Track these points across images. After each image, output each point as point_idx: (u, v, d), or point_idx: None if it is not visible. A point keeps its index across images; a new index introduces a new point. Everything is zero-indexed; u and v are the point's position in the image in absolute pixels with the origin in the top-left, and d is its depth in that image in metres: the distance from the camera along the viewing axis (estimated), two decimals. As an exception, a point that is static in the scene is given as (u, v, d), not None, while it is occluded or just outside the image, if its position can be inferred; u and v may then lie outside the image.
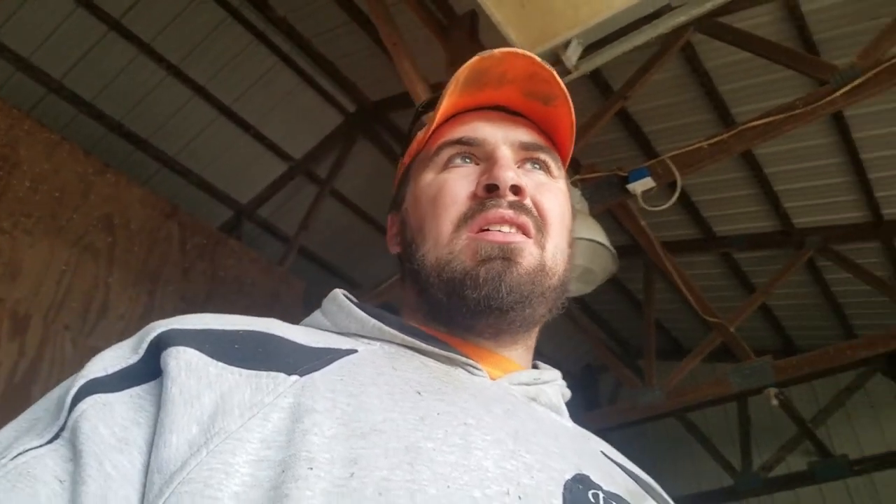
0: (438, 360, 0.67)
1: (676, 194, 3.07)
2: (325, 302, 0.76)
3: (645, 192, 3.18)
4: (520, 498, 0.51)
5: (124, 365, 0.55)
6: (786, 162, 4.32)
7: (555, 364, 0.78)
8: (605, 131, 4.34)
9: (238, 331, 0.61)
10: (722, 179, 4.57)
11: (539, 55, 2.22)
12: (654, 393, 4.48)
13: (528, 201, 0.72)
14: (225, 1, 4.16)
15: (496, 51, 0.73)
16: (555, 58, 2.24)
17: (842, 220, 4.69)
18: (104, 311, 2.97)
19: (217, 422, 0.50)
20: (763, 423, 6.27)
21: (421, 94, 2.78)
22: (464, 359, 0.67)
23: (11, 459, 0.49)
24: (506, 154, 0.74)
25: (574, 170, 3.49)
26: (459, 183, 0.73)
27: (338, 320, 0.71)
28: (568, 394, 0.78)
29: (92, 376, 0.54)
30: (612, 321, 6.66)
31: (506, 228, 0.70)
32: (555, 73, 0.75)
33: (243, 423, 0.51)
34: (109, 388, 0.53)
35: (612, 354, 5.28)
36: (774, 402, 5.26)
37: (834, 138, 4.07)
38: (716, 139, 3.05)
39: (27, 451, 0.49)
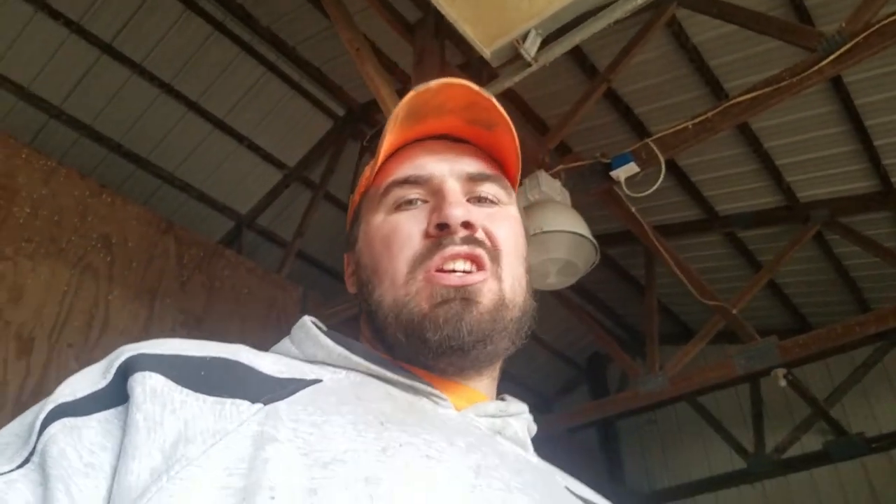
0: (403, 390, 0.67)
1: (661, 178, 3.03)
2: (294, 329, 0.75)
3: (630, 178, 3.15)
4: None
5: (93, 389, 0.55)
6: (786, 134, 4.26)
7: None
8: (595, 116, 4.30)
9: (205, 357, 0.61)
10: (721, 157, 4.52)
11: (497, 49, 2.23)
12: (658, 379, 4.43)
13: (479, 234, 0.72)
14: (210, 16, 4.19)
15: (432, 83, 0.73)
16: (513, 51, 2.23)
17: (849, 192, 4.62)
18: (105, 328, 3.02)
19: (179, 448, 0.50)
20: (776, 403, 6.21)
21: (386, 97, 2.78)
22: (429, 389, 0.67)
23: None
24: (454, 189, 0.74)
25: (557, 158, 3.47)
26: (410, 223, 0.73)
27: (305, 348, 0.71)
28: (534, 428, 0.77)
29: (61, 400, 0.54)
30: (617, 307, 6.63)
31: (460, 265, 0.69)
32: (494, 100, 0.75)
33: (205, 449, 0.51)
34: (79, 412, 0.53)
35: (615, 341, 5.22)
36: (782, 382, 5.22)
37: (835, 106, 4.01)
38: (700, 118, 3.01)
39: None
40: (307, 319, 0.75)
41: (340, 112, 4.94)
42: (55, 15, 3.91)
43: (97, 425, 0.53)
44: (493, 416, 0.70)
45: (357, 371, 0.68)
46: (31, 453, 0.51)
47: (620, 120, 4.39)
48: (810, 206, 4.75)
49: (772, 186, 4.70)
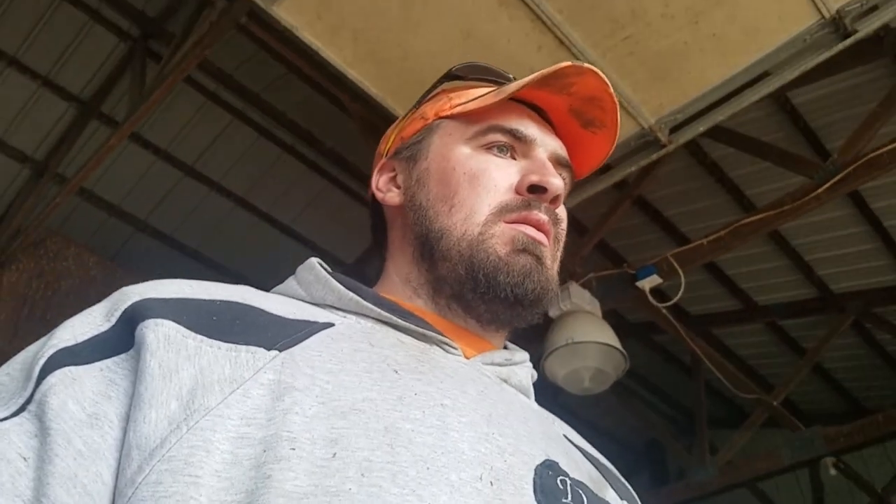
0: (414, 337, 0.67)
1: (681, 291, 3.33)
2: (300, 270, 0.74)
3: (653, 289, 3.45)
4: (492, 483, 0.52)
5: (95, 332, 0.55)
6: (811, 234, 4.48)
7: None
8: (625, 218, 4.60)
9: (215, 300, 0.60)
10: (752, 253, 4.75)
11: (659, 120, 2.41)
12: (707, 469, 4.58)
13: (559, 212, 0.76)
14: (279, 139, 4.73)
15: (586, 65, 0.73)
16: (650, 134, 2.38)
17: (879, 284, 4.79)
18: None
19: (197, 398, 0.50)
20: (837, 489, 6.16)
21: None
22: (440, 337, 0.67)
23: None
24: (548, 160, 0.75)
25: (587, 267, 3.78)
26: (502, 171, 0.74)
27: (313, 290, 0.70)
28: (535, 374, 0.78)
29: (62, 345, 0.53)
30: (670, 391, 6.75)
31: (532, 231, 0.71)
32: (618, 106, 0.77)
33: (223, 398, 0.51)
34: (79, 360, 0.52)
35: (670, 426, 5.39)
36: (832, 471, 5.24)
37: (851, 210, 4.24)
38: (714, 236, 3.32)
39: None
40: (315, 261, 0.73)
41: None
42: None
43: (99, 374, 0.52)
44: (499, 364, 0.71)
45: (367, 317, 0.67)
46: (28, 401, 0.50)
47: (650, 223, 4.68)
48: (845, 298, 4.91)
49: (804, 280, 4.89)
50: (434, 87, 0.85)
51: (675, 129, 2.40)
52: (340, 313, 0.67)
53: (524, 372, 0.74)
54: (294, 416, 0.50)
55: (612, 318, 3.82)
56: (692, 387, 5.56)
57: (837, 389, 6.08)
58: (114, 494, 0.48)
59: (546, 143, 0.76)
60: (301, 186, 5.00)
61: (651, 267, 3.43)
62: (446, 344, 0.67)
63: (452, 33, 2.15)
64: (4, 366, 0.55)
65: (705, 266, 4.62)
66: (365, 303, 0.67)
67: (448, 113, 0.79)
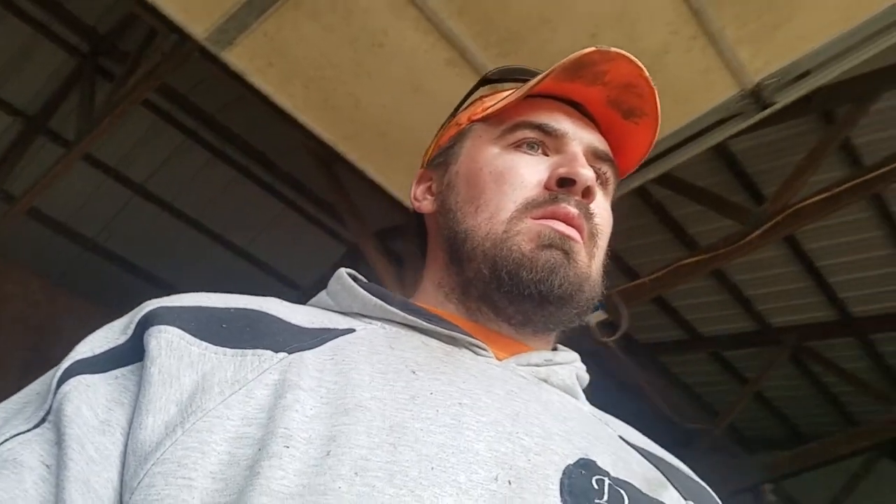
0: (441, 340, 0.65)
1: (623, 328, 3.46)
2: (331, 281, 0.73)
3: (599, 323, 3.58)
4: (510, 483, 0.49)
5: (112, 345, 0.55)
6: (749, 271, 4.66)
7: None
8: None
9: (229, 308, 0.60)
10: (696, 287, 4.92)
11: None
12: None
13: (593, 206, 0.71)
14: (233, 160, 4.75)
15: (612, 49, 0.69)
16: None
17: (813, 319, 5.01)
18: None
19: (195, 401, 0.49)
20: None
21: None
22: (468, 338, 0.65)
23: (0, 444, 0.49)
24: (581, 153, 0.72)
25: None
26: (529, 167, 0.71)
27: (340, 300, 0.70)
28: (585, 377, 0.75)
29: (79, 357, 0.54)
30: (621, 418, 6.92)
31: (562, 227, 0.68)
32: (655, 91, 0.73)
33: (223, 399, 0.50)
34: (95, 369, 0.52)
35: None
36: (772, 498, 5.46)
37: (786, 250, 4.43)
38: (655, 275, 3.46)
39: (14, 436, 0.49)
40: (343, 271, 0.73)
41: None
42: None
43: (114, 381, 0.52)
44: (537, 364, 0.67)
45: (393, 322, 0.66)
46: (48, 412, 0.51)
47: (613, 267, 4.81)
48: (781, 332, 5.13)
49: (744, 313, 5.08)
50: (471, 92, 0.84)
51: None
52: (366, 320, 0.66)
53: (566, 371, 0.70)
54: (294, 413, 0.49)
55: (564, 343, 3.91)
56: (640, 412, 5.71)
57: (777, 417, 6.30)
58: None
59: (580, 136, 0.73)
60: (256, 209, 5.03)
61: (597, 303, 3.55)
62: (475, 346, 0.65)
63: (402, 86, 2.24)
64: (33, 384, 0.55)
65: (653, 298, 4.78)
66: (390, 307, 0.65)
67: (480, 116, 0.78)
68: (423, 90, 2.23)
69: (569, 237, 0.67)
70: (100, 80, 3.93)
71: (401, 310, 0.65)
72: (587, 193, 0.69)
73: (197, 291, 0.62)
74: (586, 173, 0.68)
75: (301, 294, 5.60)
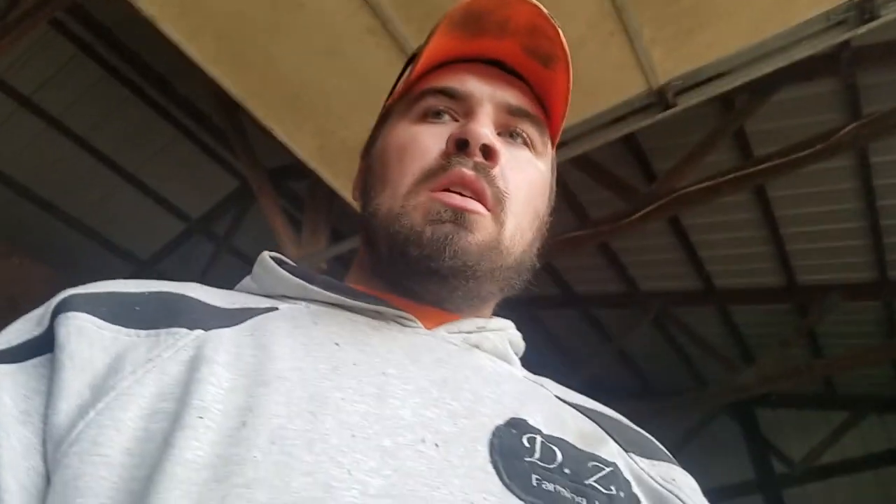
0: (367, 315, 0.63)
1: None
2: (255, 266, 0.71)
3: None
4: (437, 445, 0.49)
5: (28, 337, 0.54)
6: (627, 238, 4.92)
7: None
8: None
9: (143, 293, 0.59)
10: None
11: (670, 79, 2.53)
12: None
13: (497, 170, 0.66)
14: (128, 79, 4.53)
15: None
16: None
17: (678, 287, 5.40)
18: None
19: (108, 381, 0.49)
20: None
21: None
22: (395, 312, 0.63)
23: None
24: (487, 112, 0.68)
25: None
26: (431, 137, 0.68)
27: (263, 283, 0.69)
28: (521, 343, 0.73)
29: None
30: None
31: (465, 192, 0.64)
32: (559, 30, 0.69)
33: (136, 379, 0.49)
34: (12, 359, 0.52)
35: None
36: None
37: (664, 224, 4.71)
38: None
39: None
40: (266, 254, 0.71)
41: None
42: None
43: (32, 370, 0.51)
44: (468, 332, 0.66)
45: (317, 302, 0.64)
46: None
47: None
48: (649, 296, 5.51)
49: (617, 277, 5.40)
50: (400, 76, 0.79)
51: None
52: (290, 301, 0.64)
53: (498, 337, 0.68)
54: (208, 385, 0.48)
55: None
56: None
57: (635, 372, 6.80)
58: None
59: (489, 94, 0.69)
60: (148, 133, 4.83)
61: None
62: (402, 318, 0.63)
63: (317, 49, 2.22)
64: None
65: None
66: (312, 287, 0.64)
67: (397, 96, 0.75)
68: (340, 55, 2.22)
69: (462, 208, 0.63)
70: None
71: (323, 288, 0.64)
72: (489, 155, 0.65)
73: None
74: (480, 131, 0.65)
75: (189, 226, 5.47)
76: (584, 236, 3.51)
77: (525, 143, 0.71)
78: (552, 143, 0.77)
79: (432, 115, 0.70)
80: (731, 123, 3.59)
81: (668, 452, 0.68)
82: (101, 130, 4.73)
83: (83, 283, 0.59)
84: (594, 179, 3.76)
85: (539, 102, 0.74)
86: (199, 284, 0.64)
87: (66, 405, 0.48)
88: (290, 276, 0.66)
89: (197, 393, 0.47)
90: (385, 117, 0.76)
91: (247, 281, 0.71)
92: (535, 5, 0.68)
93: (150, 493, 0.42)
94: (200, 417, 0.46)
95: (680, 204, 3.33)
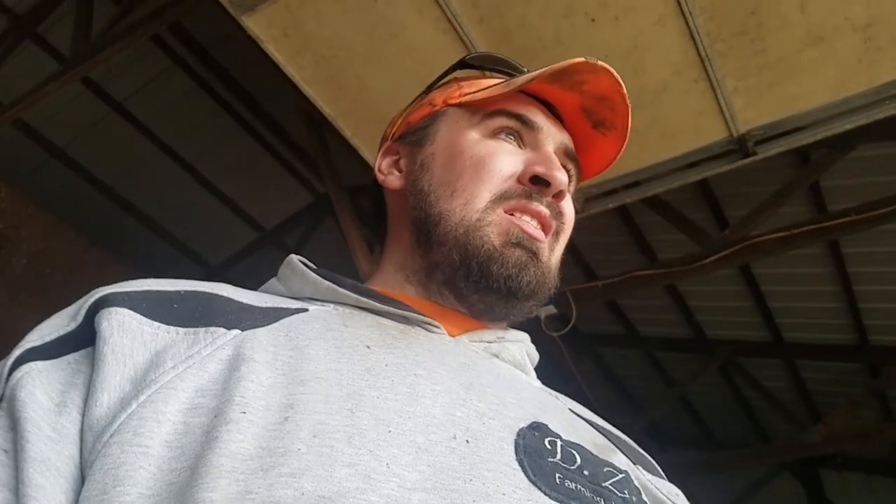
0: (394, 320, 0.66)
1: (571, 323, 3.61)
2: (281, 268, 0.74)
3: (548, 317, 3.73)
4: (468, 442, 0.51)
5: (62, 332, 0.55)
6: (695, 283, 4.85)
7: None
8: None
9: (179, 291, 0.60)
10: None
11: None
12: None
13: (562, 206, 0.74)
14: (217, 94, 4.72)
15: (600, 63, 0.72)
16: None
17: (746, 337, 5.27)
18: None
19: (149, 375, 0.50)
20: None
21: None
22: (420, 317, 0.66)
23: None
24: (554, 152, 0.75)
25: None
26: (507, 158, 0.72)
27: (291, 285, 0.71)
28: (535, 355, 0.77)
29: (29, 345, 0.54)
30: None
31: (534, 224, 0.70)
32: (629, 108, 0.75)
33: (177, 373, 0.50)
34: (47, 356, 0.53)
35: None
36: (673, 497, 5.82)
37: (734, 270, 4.62)
38: (608, 281, 3.61)
39: None
40: (294, 257, 0.74)
41: (324, 189, 5.14)
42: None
43: (66, 366, 0.52)
44: (489, 341, 0.69)
45: (346, 305, 0.66)
46: (1, 399, 0.51)
47: (572, 261, 4.95)
48: (715, 343, 5.39)
49: (683, 321, 5.31)
50: (446, 73, 0.84)
51: (588, 200, 2.64)
52: (318, 303, 0.66)
53: (517, 348, 0.72)
54: (249, 383, 0.50)
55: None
56: (569, 395, 5.97)
57: (696, 420, 6.64)
58: None
59: (553, 134, 0.76)
60: (231, 146, 5.00)
61: (549, 298, 3.69)
62: (428, 323, 0.66)
63: (410, 78, 2.28)
64: None
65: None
66: (341, 290, 0.66)
67: (457, 101, 0.78)
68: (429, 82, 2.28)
69: (535, 239, 0.69)
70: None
71: (353, 292, 0.66)
72: (558, 195, 0.72)
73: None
74: (562, 177, 0.71)
75: (262, 237, 5.63)
76: (654, 276, 3.49)
77: (569, 182, 0.77)
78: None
79: (504, 134, 0.74)
80: (807, 176, 3.53)
81: (664, 476, 0.72)
82: (187, 139, 4.93)
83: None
84: (665, 220, 3.73)
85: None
86: (228, 284, 0.66)
87: (108, 397, 0.49)
88: (321, 278, 0.68)
89: (238, 390, 0.49)
90: (436, 117, 0.79)
91: (273, 282, 0.74)
92: (618, 80, 0.72)
93: (197, 482, 0.43)
94: (244, 413, 0.47)
95: (753, 252, 3.29)
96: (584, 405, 0.76)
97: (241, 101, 4.76)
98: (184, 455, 0.46)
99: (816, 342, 5.09)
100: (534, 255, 0.69)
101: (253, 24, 2.18)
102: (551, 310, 3.73)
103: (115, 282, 0.59)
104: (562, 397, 0.73)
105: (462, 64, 0.84)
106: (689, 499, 0.69)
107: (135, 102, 4.68)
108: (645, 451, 0.75)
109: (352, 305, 0.66)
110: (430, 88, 0.85)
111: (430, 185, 0.73)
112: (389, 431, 0.49)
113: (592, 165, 0.82)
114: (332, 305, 0.66)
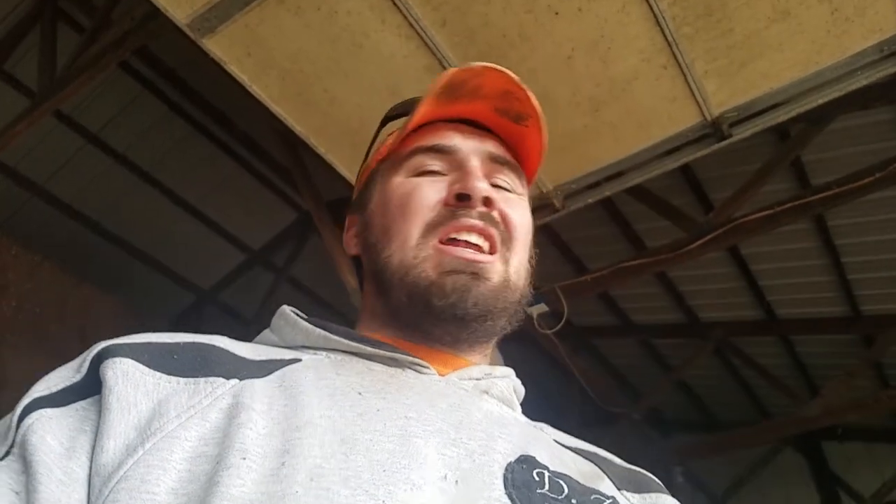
0: (384, 363, 0.67)
1: (563, 321, 3.60)
2: (274, 318, 0.75)
3: (541, 315, 3.71)
4: (457, 482, 0.53)
5: (68, 383, 0.56)
6: (685, 268, 4.86)
7: None
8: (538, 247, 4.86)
9: (178, 343, 0.62)
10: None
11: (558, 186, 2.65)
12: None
13: (496, 213, 0.73)
14: (190, 116, 4.70)
15: (476, 64, 0.73)
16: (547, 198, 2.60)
17: (738, 318, 5.29)
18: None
19: (153, 424, 0.52)
20: (683, 492, 6.80)
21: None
22: (410, 358, 0.67)
23: None
24: (476, 165, 0.75)
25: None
26: (430, 189, 0.73)
27: (284, 334, 0.72)
28: (521, 390, 0.77)
29: (37, 395, 0.55)
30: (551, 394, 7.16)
31: (474, 238, 0.71)
32: (529, 92, 0.75)
33: (180, 423, 0.52)
34: (55, 404, 0.54)
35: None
36: (680, 479, 5.83)
37: (723, 252, 4.63)
38: (597, 274, 3.60)
39: None
40: (286, 308, 0.75)
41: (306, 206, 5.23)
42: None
43: (74, 413, 0.54)
44: (477, 378, 0.70)
45: (337, 351, 0.68)
46: (11, 446, 0.52)
47: (562, 257, 4.96)
48: (709, 326, 5.40)
49: (676, 306, 5.31)
50: (376, 135, 0.87)
51: (569, 196, 2.62)
52: (311, 351, 0.68)
53: (505, 384, 0.73)
54: (248, 430, 0.52)
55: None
56: (567, 391, 5.99)
57: (696, 403, 6.65)
58: None
59: (473, 149, 0.77)
60: (210, 167, 4.99)
61: (540, 296, 3.68)
62: (417, 364, 0.68)
63: (378, 88, 2.27)
64: None
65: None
66: (333, 336, 0.68)
67: (384, 155, 0.81)
68: (399, 93, 2.26)
69: (471, 261, 0.69)
70: (61, 26, 3.84)
71: (343, 338, 0.68)
72: (487, 203, 0.72)
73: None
74: (480, 186, 0.72)
75: (250, 257, 5.61)
76: (642, 265, 3.48)
77: (508, 190, 0.78)
78: (529, 184, 0.84)
79: (427, 172, 0.76)
80: (788, 153, 3.53)
81: (658, 483, 0.74)
82: (165, 165, 4.92)
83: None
84: (650, 209, 3.73)
85: (513, 153, 0.81)
86: (224, 336, 0.67)
87: (114, 444, 0.51)
88: (313, 327, 0.70)
89: (238, 436, 0.51)
90: (372, 178, 0.82)
91: (266, 333, 0.75)
92: (505, 73, 0.74)
93: None
94: (244, 459, 0.49)
95: (738, 233, 3.29)
96: (583, 400, 0.77)
97: (216, 121, 4.76)
98: (189, 502, 0.48)
99: (809, 316, 5.09)
100: (476, 275, 0.69)
101: (214, 46, 2.15)
102: (543, 308, 3.72)
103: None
104: (547, 429, 0.75)
105: (386, 120, 0.86)
106: (693, 481, 0.71)
107: (109, 132, 4.67)
108: (642, 464, 0.77)
109: (343, 351, 0.68)
110: (367, 153, 0.88)
111: (374, 238, 0.76)
112: (384, 471, 0.51)
113: (533, 158, 0.82)
114: (324, 353, 0.68)
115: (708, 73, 2.21)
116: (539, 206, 2.60)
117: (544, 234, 4.75)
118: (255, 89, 2.30)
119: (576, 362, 4.67)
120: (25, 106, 3.52)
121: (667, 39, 2.10)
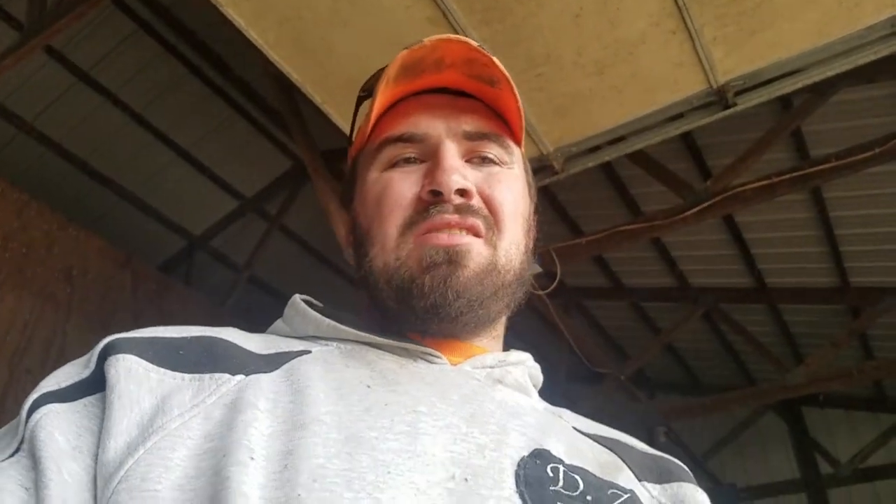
0: (395, 353, 0.66)
1: (556, 282, 3.60)
2: (286, 309, 0.74)
3: (534, 275, 3.71)
4: (466, 480, 0.52)
5: (77, 379, 0.56)
6: (678, 233, 4.86)
7: None
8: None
9: (185, 337, 0.61)
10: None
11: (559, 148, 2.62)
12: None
13: (475, 201, 0.69)
14: (186, 58, 4.60)
15: (426, 40, 0.69)
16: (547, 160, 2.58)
17: (729, 284, 5.31)
18: (61, 356, 3.41)
19: (156, 421, 0.52)
20: (666, 451, 6.93)
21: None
22: (421, 348, 0.66)
23: None
24: (450, 150, 0.70)
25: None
26: (404, 183, 0.70)
27: (295, 325, 0.71)
28: (539, 376, 0.75)
29: (46, 390, 0.55)
30: (540, 350, 7.22)
31: (453, 232, 0.67)
32: (493, 56, 0.71)
33: (183, 422, 0.52)
34: (63, 399, 0.54)
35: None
36: (662, 439, 5.94)
37: (717, 219, 4.63)
38: (593, 237, 3.59)
39: None
40: (297, 297, 0.74)
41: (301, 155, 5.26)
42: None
43: (83, 409, 0.54)
44: (491, 366, 0.68)
45: (348, 341, 0.67)
46: (21, 442, 0.52)
47: (557, 218, 4.94)
48: (699, 291, 5.42)
49: (667, 270, 5.33)
50: (355, 114, 0.81)
51: (569, 159, 2.59)
52: (322, 342, 0.67)
53: (520, 371, 0.71)
54: (253, 430, 0.51)
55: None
56: (558, 347, 6.06)
57: (682, 366, 6.72)
58: None
59: (449, 130, 0.72)
60: (203, 111, 4.89)
61: (534, 257, 3.67)
62: (429, 354, 0.66)
63: (378, 39, 2.21)
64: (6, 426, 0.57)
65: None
66: (343, 327, 0.67)
67: (360, 146, 0.78)
68: (400, 45, 2.20)
69: (452, 245, 0.66)
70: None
71: (354, 328, 0.67)
72: (463, 193, 0.68)
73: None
74: (451, 179, 0.67)
75: (242, 204, 5.55)
76: (638, 230, 3.47)
77: (494, 162, 0.73)
78: (519, 145, 0.79)
79: (401, 162, 0.72)
80: (789, 123, 3.49)
81: (684, 469, 0.71)
82: (158, 107, 4.81)
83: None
84: (648, 173, 3.70)
85: (497, 117, 0.76)
86: (234, 329, 0.66)
87: (115, 443, 0.50)
88: (323, 317, 0.69)
89: (245, 434, 0.51)
90: (353, 169, 0.78)
91: (279, 324, 0.74)
92: (464, 41, 0.70)
93: None
94: (252, 458, 0.49)
95: (735, 202, 3.26)
96: (571, 357, 0.74)
97: (211, 64, 4.65)
98: (197, 497, 0.47)
99: (799, 286, 5.13)
100: (455, 263, 0.65)
101: (210, -16, 2.09)
102: (536, 269, 3.71)
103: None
104: (566, 414, 0.73)
105: (359, 101, 0.80)
106: (675, 442, 0.68)
107: (101, 70, 4.55)
108: (645, 441, 0.74)
109: (353, 342, 0.67)
110: (351, 135, 0.83)
111: (359, 241, 0.73)
112: (388, 473, 0.50)
113: (514, 120, 0.77)
114: (334, 344, 0.67)
115: (716, 40, 2.17)
116: (538, 168, 2.57)
117: (540, 196, 4.73)
118: (252, 34, 2.24)
119: (566, 322, 4.68)
120: (15, 39, 3.43)
121: (677, 4, 2.06)
